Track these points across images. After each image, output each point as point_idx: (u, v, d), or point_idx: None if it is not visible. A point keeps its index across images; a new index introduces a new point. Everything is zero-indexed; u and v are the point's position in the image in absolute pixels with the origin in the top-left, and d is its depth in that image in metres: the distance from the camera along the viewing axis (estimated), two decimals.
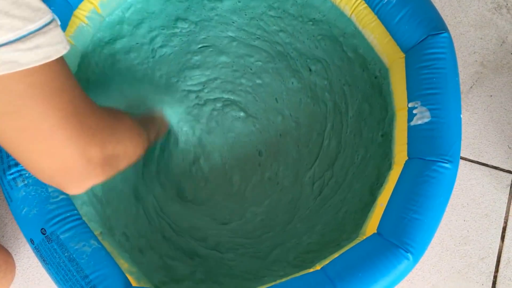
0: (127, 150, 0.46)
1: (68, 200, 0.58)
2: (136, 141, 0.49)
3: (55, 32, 0.33)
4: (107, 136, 0.41)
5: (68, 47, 0.35)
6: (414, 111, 0.60)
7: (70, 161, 0.37)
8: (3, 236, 0.76)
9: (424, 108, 0.59)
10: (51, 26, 0.32)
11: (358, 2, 0.67)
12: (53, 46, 0.33)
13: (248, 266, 0.69)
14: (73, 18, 0.66)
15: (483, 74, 0.85)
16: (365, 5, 0.67)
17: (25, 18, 0.30)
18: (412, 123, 0.60)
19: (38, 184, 0.56)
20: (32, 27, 0.31)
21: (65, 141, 0.36)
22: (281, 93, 0.82)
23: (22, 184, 0.56)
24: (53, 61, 0.33)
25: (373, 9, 0.65)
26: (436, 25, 0.61)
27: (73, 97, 0.36)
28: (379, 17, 0.65)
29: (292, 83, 0.82)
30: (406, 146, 0.61)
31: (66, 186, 0.39)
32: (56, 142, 0.36)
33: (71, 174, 0.38)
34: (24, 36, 0.30)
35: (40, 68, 0.32)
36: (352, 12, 0.70)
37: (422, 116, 0.59)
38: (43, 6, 0.32)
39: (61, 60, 0.35)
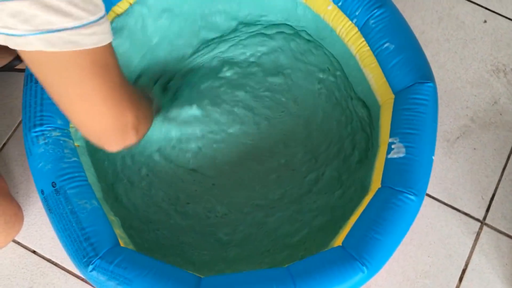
0: (147, 118, 0.58)
1: (79, 163, 0.67)
2: (150, 112, 0.63)
3: (106, 25, 0.44)
4: (137, 105, 0.53)
5: (112, 37, 0.46)
6: (392, 146, 0.68)
7: (115, 122, 0.49)
8: (17, 192, 0.85)
9: (401, 145, 0.67)
10: (104, 19, 0.43)
11: (362, 44, 0.76)
12: (105, 34, 0.43)
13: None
14: (110, 12, 0.76)
15: (471, 128, 0.92)
16: (368, 47, 0.75)
17: (88, 11, 0.40)
18: (389, 156, 0.68)
19: (56, 144, 0.66)
20: (92, 18, 0.41)
21: (112, 106, 0.48)
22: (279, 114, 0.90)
23: (43, 142, 0.65)
24: (106, 46, 0.44)
25: (373, 52, 0.74)
26: (424, 74, 0.69)
27: (118, 73, 0.48)
28: (378, 60, 0.73)
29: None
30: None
31: (108, 143, 0.52)
32: (105, 107, 0.47)
33: (114, 133, 0.50)
34: (86, 25, 0.40)
35: (98, 50, 0.43)
36: (356, 52, 0.78)
37: (398, 151, 0.67)
38: (100, 3, 0.43)
39: (110, 45, 0.46)
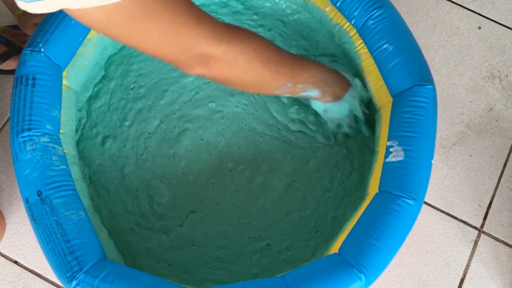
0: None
1: (67, 171, 0.64)
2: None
3: None
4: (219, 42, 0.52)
5: None
6: (391, 149, 0.66)
7: (193, 46, 0.49)
8: None
9: (399, 148, 0.65)
10: None
11: (361, 45, 0.74)
12: None
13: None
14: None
15: (467, 134, 0.91)
16: (366, 49, 0.73)
17: None
18: (387, 160, 0.66)
19: (45, 150, 0.62)
20: None
21: (191, 34, 0.48)
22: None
23: (31, 148, 0.62)
24: None
25: (371, 53, 0.72)
26: (423, 77, 0.67)
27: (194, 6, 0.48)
28: (376, 62, 0.71)
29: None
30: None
31: (186, 64, 0.52)
32: (185, 32, 0.48)
33: (191, 54, 0.50)
34: None
35: None
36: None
37: (397, 155, 0.65)
38: None
39: None
